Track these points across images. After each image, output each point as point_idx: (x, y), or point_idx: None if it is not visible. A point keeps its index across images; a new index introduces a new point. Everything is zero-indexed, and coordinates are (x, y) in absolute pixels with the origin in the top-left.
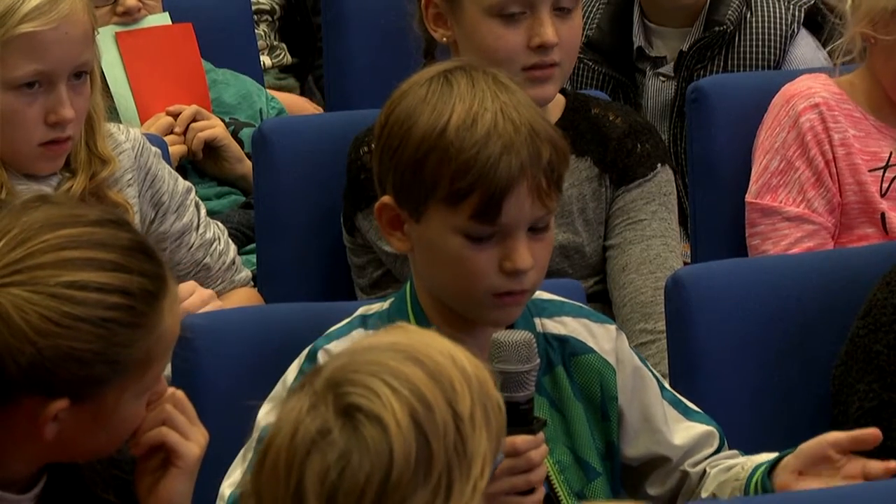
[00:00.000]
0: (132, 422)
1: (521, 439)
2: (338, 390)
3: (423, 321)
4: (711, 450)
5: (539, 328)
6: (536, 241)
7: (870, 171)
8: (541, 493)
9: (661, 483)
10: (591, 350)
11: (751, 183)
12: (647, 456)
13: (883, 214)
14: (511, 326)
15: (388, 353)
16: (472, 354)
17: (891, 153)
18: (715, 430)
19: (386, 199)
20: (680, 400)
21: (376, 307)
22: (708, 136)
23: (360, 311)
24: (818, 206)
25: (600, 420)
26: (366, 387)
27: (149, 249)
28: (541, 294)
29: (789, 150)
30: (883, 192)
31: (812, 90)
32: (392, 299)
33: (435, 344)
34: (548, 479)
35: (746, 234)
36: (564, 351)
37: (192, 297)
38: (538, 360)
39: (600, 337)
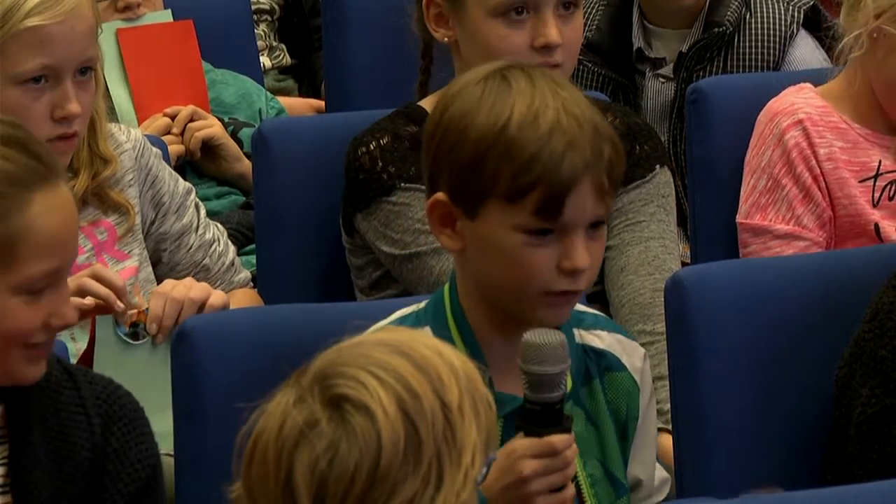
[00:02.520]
0: (10, 320)
1: (557, 439)
2: (324, 383)
3: (462, 321)
4: (662, 497)
5: (578, 339)
6: (593, 240)
7: (860, 181)
8: (571, 488)
9: None
10: (624, 368)
11: (740, 203)
12: (631, 480)
13: (877, 225)
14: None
15: (375, 347)
16: (461, 353)
17: (880, 161)
18: (668, 481)
19: (440, 195)
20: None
21: (412, 308)
22: (707, 137)
23: (397, 314)
24: (808, 221)
25: (621, 437)
26: (352, 378)
27: (28, 144)
28: (577, 307)
29: (775, 168)
30: (875, 202)
31: (795, 106)
32: (428, 300)
33: (421, 339)
34: (579, 493)
35: (740, 255)
36: (601, 365)
37: (193, 290)
38: (569, 361)
39: (632, 355)
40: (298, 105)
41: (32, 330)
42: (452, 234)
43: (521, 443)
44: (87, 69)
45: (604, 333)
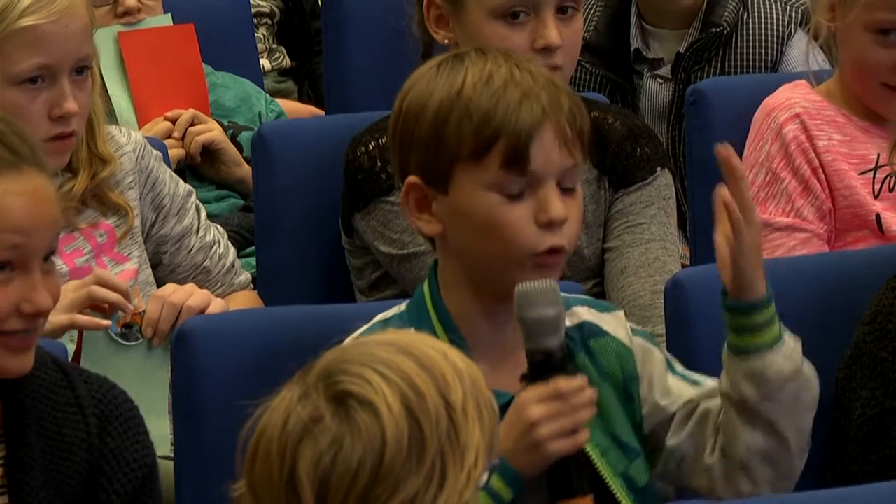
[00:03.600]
0: None
1: (563, 381)
2: (329, 380)
3: (446, 319)
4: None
5: None
6: (567, 199)
7: (860, 173)
8: (585, 433)
9: (679, 429)
10: (605, 333)
11: None
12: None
13: (878, 216)
14: None
15: (380, 346)
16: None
17: (878, 154)
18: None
19: (411, 178)
20: (690, 375)
21: (394, 310)
22: (707, 138)
23: (379, 317)
24: (807, 213)
25: (626, 401)
26: (357, 375)
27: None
28: None
29: (773, 162)
30: (876, 193)
31: (792, 101)
32: (408, 301)
33: (427, 340)
34: (591, 464)
35: None
36: (582, 336)
37: (193, 297)
38: (563, 308)
39: (610, 324)
40: (299, 111)
41: (2, 315)
42: (430, 217)
43: (527, 391)
44: (84, 68)
45: (577, 309)
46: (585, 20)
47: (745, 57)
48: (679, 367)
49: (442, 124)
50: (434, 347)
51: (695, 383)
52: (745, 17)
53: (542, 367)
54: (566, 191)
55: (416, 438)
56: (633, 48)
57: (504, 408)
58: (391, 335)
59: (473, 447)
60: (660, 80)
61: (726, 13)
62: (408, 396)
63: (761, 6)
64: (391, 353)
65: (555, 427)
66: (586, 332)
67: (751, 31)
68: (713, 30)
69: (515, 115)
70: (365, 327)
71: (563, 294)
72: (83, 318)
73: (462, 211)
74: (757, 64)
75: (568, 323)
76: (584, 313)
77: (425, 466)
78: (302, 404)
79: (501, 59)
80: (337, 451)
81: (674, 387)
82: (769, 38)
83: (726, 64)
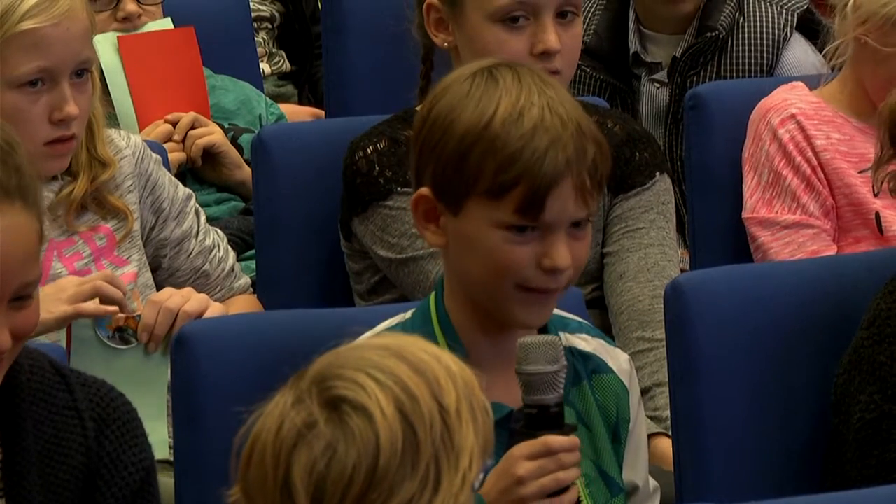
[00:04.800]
0: None
1: (554, 439)
2: (322, 385)
3: (448, 328)
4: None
5: (564, 341)
6: (575, 239)
7: (859, 172)
8: (574, 491)
9: None
10: (611, 370)
11: (745, 200)
12: (629, 485)
13: (877, 214)
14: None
15: (374, 350)
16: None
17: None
18: (658, 489)
19: (424, 190)
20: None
21: (398, 318)
22: (706, 142)
23: (383, 324)
24: (813, 209)
25: (612, 442)
26: (350, 380)
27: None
28: (558, 311)
29: (774, 161)
30: (875, 191)
31: (787, 101)
32: (414, 309)
33: (419, 344)
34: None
35: (752, 250)
36: (587, 367)
37: (190, 302)
38: (565, 363)
39: (618, 359)
40: (299, 113)
41: None
42: (436, 229)
43: (518, 446)
44: (84, 71)
45: (588, 338)
46: (585, 24)
47: (741, 61)
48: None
49: (465, 152)
50: (427, 351)
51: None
52: (741, 21)
53: (536, 421)
54: (577, 228)
55: (411, 442)
56: (631, 52)
57: (501, 421)
58: (384, 339)
59: (468, 450)
60: (657, 85)
61: (722, 17)
62: (401, 400)
63: (757, 10)
64: (384, 357)
65: (540, 486)
66: (593, 364)
67: (747, 35)
68: (709, 34)
69: (539, 164)
70: (368, 334)
71: (578, 319)
72: (89, 307)
73: (467, 238)
74: (753, 68)
75: (578, 346)
76: (596, 346)
77: (420, 470)
78: (296, 410)
79: (535, 93)
80: (331, 457)
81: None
82: (765, 42)
83: (722, 68)
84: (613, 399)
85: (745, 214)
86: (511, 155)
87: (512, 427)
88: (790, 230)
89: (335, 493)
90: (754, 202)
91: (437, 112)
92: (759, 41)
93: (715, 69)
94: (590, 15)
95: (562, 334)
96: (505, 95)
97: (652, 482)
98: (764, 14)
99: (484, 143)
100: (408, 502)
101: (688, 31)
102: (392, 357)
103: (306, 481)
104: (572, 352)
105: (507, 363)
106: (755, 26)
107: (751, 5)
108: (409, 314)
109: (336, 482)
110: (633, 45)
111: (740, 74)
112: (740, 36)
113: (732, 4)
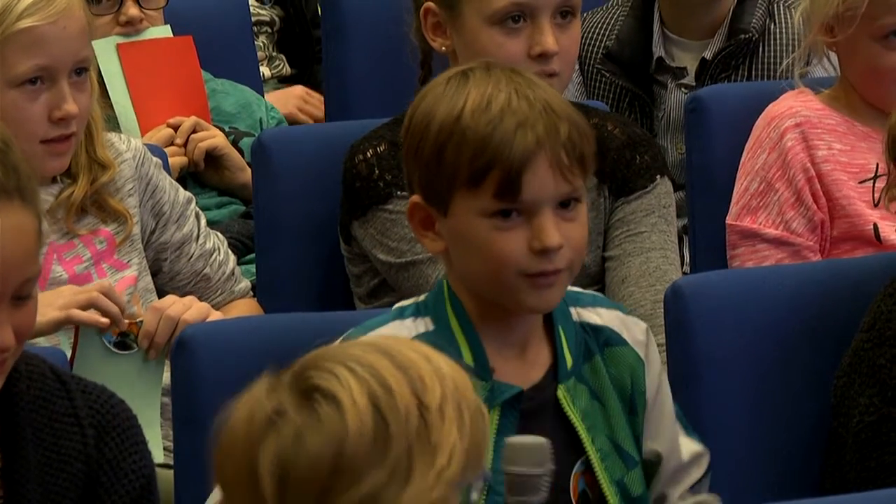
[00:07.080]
0: None
1: None
2: (301, 375)
3: (460, 312)
4: (700, 472)
5: (575, 317)
6: (566, 219)
7: (859, 183)
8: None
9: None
10: (625, 342)
11: (731, 205)
12: (651, 455)
13: (875, 225)
14: (549, 314)
15: (359, 346)
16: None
17: (878, 164)
18: (706, 454)
19: (415, 198)
20: (682, 415)
21: (411, 300)
22: (706, 145)
23: (397, 305)
24: (797, 226)
25: (629, 413)
26: (327, 370)
27: None
28: (572, 287)
29: (769, 172)
30: (875, 202)
31: (793, 109)
32: (428, 293)
33: (410, 345)
34: (590, 468)
35: (728, 256)
36: (599, 340)
37: (191, 310)
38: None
39: (633, 330)
40: (289, 95)
41: None
42: (434, 236)
43: None
44: (83, 69)
45: (602, 311)
46: (607, 29)
47: (770, 66)
48: (676, 405)
49: (441, 149)
50: (416, 351)
51: (685, 429)
52: (771, 26)
53: None
54: (566, 209)
55: (381, 434)
56: (655, 56)
57: (511, 401)
58: (375, 339)
59: (447, 448)
60: (684, 90)
61: (754, 20)
62: (375, 392)
63: (787, 16)
64: (367, 352)
65: None
66: (604, 337)
67: (777, 40)
68: (742, 36)
69: (509, 145)
70: (380, 316)
71: (593, 293)
72: (81, 314)
73: (460, 235)
74: (784, 73)
75: (589, 320)
76: (610, 318)
77: (389, 462)
78: (268, 398)
79: (503, 82)
80: (298, 443)
81: (677, 433)
82: (795, 47)
83: (752, 72)
84: (628, 371)
85: (728, 220)
86: (482, 141)
87: None
88: (769, 245)
89: (300, 478)
90: (739, 208)
91: (416, 118)
92: (789, 46)
93: (745, 73)
94: (612, 20)
95: (573, 310)
96: (473, 89)
97: (693, 448)
98: (793, 21)
99: (456, 136)
100: (375, 492)
101: (717, 34)
102: (376, 353)
103: (272, 468)
104: (584, 327)
105: (518, 346)
106: (785, 31)
107: (781, 11)
108: (422, 297)
109: (301, 468)
110: (658, 50)
111: (771, 78)
112: (771, 41)
113: (763, 9)
